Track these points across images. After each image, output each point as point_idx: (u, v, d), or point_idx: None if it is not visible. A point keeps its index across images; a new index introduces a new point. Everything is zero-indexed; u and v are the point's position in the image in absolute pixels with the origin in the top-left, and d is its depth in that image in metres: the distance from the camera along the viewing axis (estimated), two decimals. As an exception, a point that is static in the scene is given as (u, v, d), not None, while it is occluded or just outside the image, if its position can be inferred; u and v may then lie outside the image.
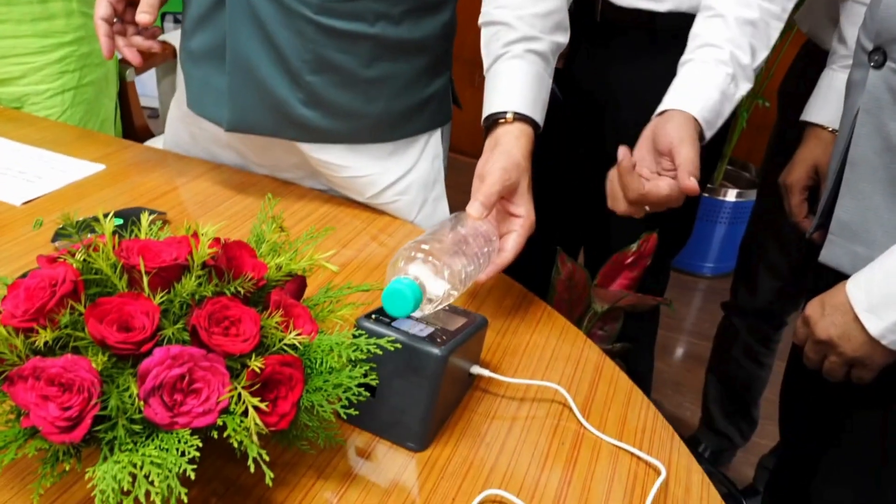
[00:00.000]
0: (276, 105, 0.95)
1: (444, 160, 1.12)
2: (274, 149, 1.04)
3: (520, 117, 0.85)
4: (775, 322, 1.54)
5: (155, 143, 1.51)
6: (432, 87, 1.04)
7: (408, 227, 1.02)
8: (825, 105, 1.07)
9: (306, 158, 1.03)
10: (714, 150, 1.28)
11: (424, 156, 1.07)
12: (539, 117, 0.88)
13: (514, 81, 0.88)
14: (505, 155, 0.82)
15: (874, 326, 0.78)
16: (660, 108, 0.87)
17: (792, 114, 1.20)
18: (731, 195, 2.55)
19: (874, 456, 0.94)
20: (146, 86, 2.67)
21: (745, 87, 0.89)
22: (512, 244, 0.81)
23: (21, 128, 1.18)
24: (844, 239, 0.87)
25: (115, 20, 0.94)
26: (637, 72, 1.23)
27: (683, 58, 0.91)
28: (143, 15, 0.91)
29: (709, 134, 0.86)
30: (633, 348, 1.40)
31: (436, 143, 1.09)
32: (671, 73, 1.17)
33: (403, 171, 1.04)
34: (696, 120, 0.84)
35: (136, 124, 1.69)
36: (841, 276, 0.85)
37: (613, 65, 1.24)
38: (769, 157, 1.46)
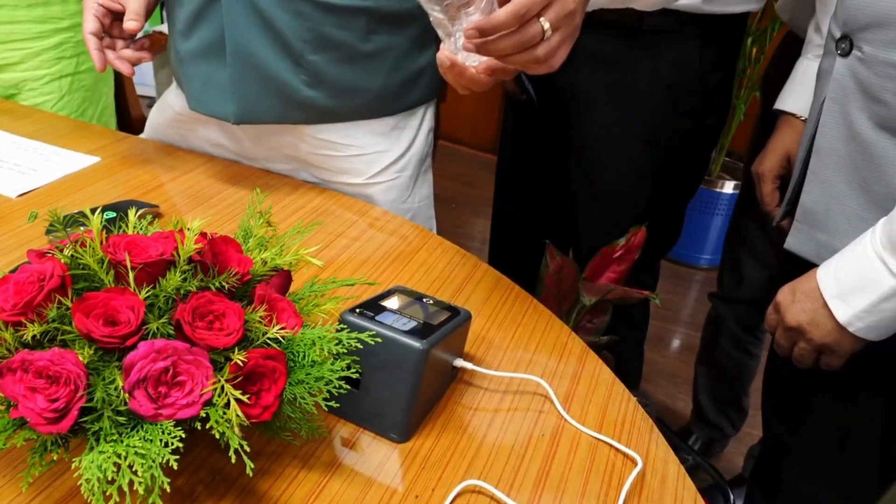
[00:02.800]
0: (280, 90, 0.97)
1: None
2: (269, 139, 1.05)
3: None
4: (762, 311, 1.55)
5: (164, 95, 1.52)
6: (424, 58, 1.06)
7: (398, 220, 1.03)
8: (798, 94, 1.08)
9: (302, 149, 1.04)
10: (710, 142, 1.29)
11: (422, 129, 1.11)
12: None
13: None
14: None
15: (842, 313, 0.79)
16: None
17: (773, 102, 1.21)
18: (728, 187, 2.56)
19: (836, 444, 0.96)
20: (144, 75, 2.68)
21: None
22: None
23: (17, 119, 1.19)
24: (809, 226, 0.88)
25: (103, 35, 0.96)
26: (619, 68, 1.23)
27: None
28: (131, 23, 0.92)
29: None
30: (625, 340, 1.42)
31: (430, 117, 1.13)
32: (653, 71, 1.18)
33: (405, 146, 1.08)
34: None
35: (132, 115, 1.70)
36: (807, 263, 0.87)
37: (597, 62, 1.24)
38: (752, 146, 1.47)
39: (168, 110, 1.11)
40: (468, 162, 3.23)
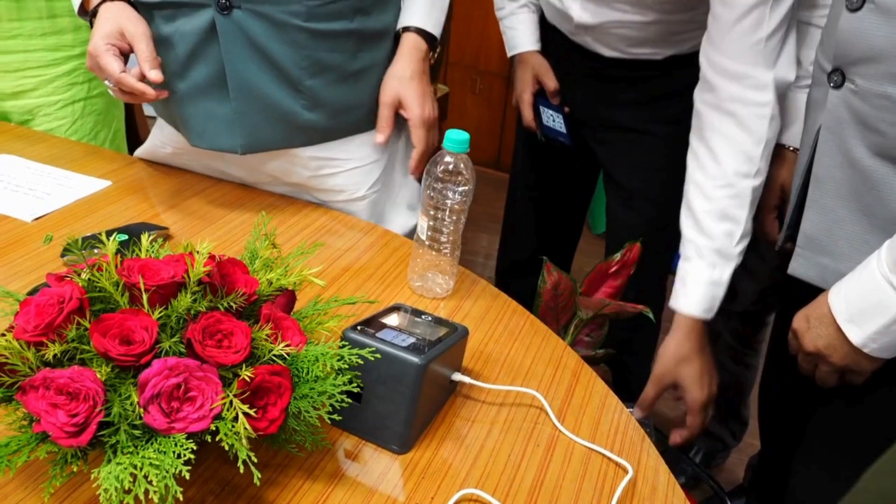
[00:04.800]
0: (282, 117, 1.01)
1: None
2: (269, 165, 1.09)
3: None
4: (756, 324, 1.58)
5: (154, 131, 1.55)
6: None
7: (399, 239, 1.06)
8: (785, 125, 1.10)
9: (302, 174, 1.08)
10: None
11: (405, 134, 1.17)
12: None
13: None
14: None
15: (856, 336, 0.80)
16: (669, 304, 1.05)
17: None
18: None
19: (837, 453, 0.97)
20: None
21: (729, 268, 1.02)
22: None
23: (31, 145, 1.23)
24: (812, 252, 0.91)
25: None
26: (632, 94, 1.28)
27: (681, 247, 1.05)
28: (155, 73, 0.91)
29: (711, 315, 1.02)
30: (631, 351, 1.45)
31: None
32: (666, 93, 1.23)
33: (396, 152, 1.15)
34: (695, 319, 1.01)
35: (141, 137, 1.74)
36: (811, 285, 0.89)
37: (610, 93, 1.29)
38: None
39: (166, 147, 1.15)
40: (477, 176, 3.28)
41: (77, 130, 1.42)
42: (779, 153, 1.14)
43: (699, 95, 1.03)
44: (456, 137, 0.85)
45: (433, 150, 1.03)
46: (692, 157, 1.05)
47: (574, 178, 1.52)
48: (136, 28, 0.92)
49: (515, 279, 1.59)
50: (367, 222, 1.10)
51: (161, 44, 0.98)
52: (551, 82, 1.35)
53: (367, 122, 1.09)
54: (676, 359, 1.02)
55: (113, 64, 0.90)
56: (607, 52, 1.25)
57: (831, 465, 0.98)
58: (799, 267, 0.92)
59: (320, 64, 0.99)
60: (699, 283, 1.00)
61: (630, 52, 1.23)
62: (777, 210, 1.17)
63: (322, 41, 0.98)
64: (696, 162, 1.03)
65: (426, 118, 1.06)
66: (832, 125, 0.86)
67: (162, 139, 1.15)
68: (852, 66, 0.84)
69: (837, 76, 0.86)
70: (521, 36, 1.37)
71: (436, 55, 1.11)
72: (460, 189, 0.86)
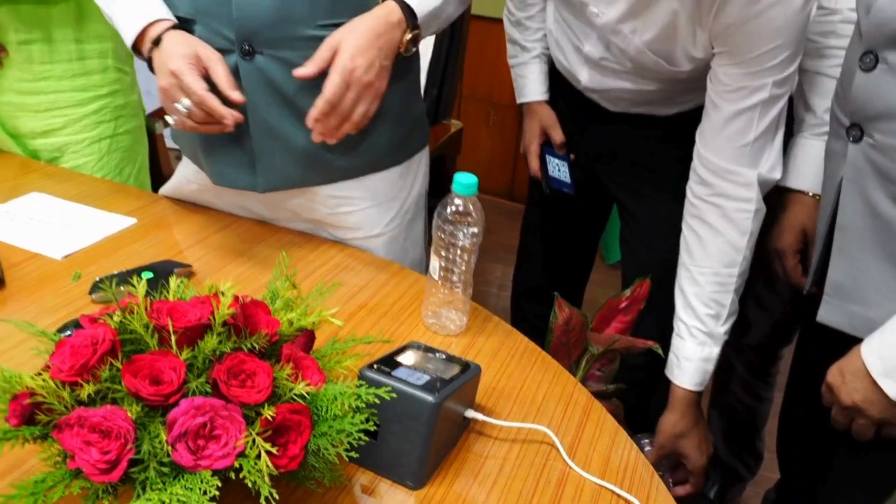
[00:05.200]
0: (301, 157, 1.04)
1: None
2: (288, 203, 1.12)
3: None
4: (770, 357, 1.59)
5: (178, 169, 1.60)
6: (417, 108, 1.17)
7: (414, 275, 1.09)
8: (803, 172, 1.12)
9: (321, 210, 1.12)
10: None
11: (419, 171, 1.20)
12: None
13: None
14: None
15: (893, 390, 0.81)
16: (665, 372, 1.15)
17: None
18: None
19: (865, 492, 0.98)
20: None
21: (717, 347, 1.12)
22: None
23: (60, 183, 1.28)
24: (840, 299, 0.92)
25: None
26: (641, 136, 1.31)
27: (674, 322, 1.14)
28: (237, 94, 0.94)
29: (703, 387, 1.13)
30: (643, 385, 1.46)
31: (426, 161, 1.23)
32: (675, 135, 1.26)
33: (409, 189, 1.17)
34: (689, 391, 1.12)
35: (164, 172, 1.79)
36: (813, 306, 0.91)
37: (620, 135, 1.33)
38: None
39: (190, 184, 1.19)
40: (485, 208, 3.31)
41: (103, 167, 1.47)
42: (797, 199, 1.16)
43: (691, 186, 1.11)
44: (464, 181, 0.88)
45: (342, 114, 0.95)
46: (683, 241, 1.13)
47: (585, 213, 1.54)
48: (210, 52, 0.94)
49: (530, 304, 1.61)
50: (382, 259, 1.13)
51: None
52: (558, 135, 1.39)
53: (383, 162, 1.12)
54: (675, 434, 1.13)
55: (198, 82, 0.92)
56: (613, 108, 1.29)
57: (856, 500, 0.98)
58: (827, 314, 0.93)
59: None
60: (691, 360, 1.11)
61: (636, 111, 1.28)
62: (800, 254, 1.18)
63: None
64: (685, 247, 1.12)
65: (347, 68, 0.93)
66: (854, 177, 0.88)
67: (187, 177, 1.19)
68: (870, 123, 0.86)
69: (856, 131, 0.88)
70: (530, 85, 1.41)
71: (412, 36, 1.00)
72: (470, 230, 0.89)
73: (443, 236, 0.90)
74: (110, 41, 1.43)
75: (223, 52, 0.97)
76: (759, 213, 1.05)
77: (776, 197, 1.21)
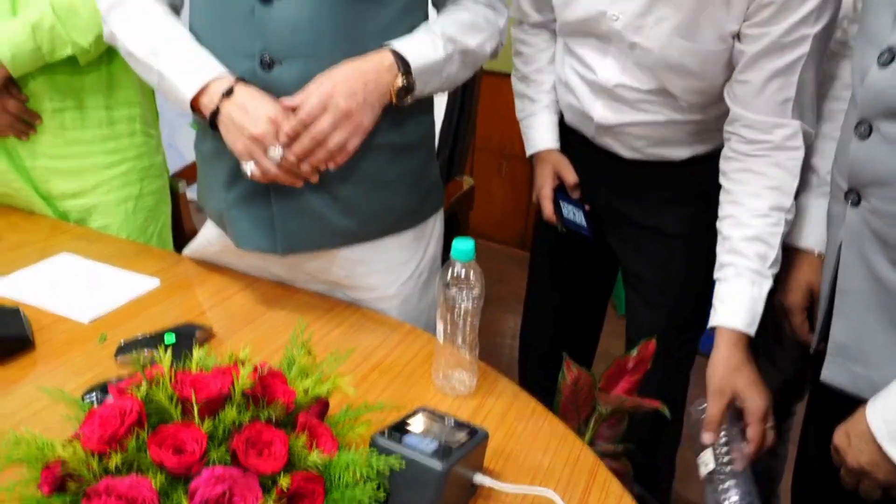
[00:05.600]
0: (320, 222, 1.09)
1: None
2: (306, 265, 1.17)
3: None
4: (782, 413, 1.59)
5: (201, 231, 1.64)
6: (433, 174, 1.22)
7: (425, 336, 1.13)
8: (809, 231, 1.15)
9: (336, 272, 1.16)
10: None
11: (434, 234, 1.24)
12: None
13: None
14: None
15: None
16: (710, 324, 1.10)
17: None
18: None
19: None
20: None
21: (766, 286, 1.08)
22: None
23: (89, 244, 1.34)
24: (843, 359, 0.93)
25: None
26: (651, 194, 1.34)
27: (716, 272, 1.12)
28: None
29: (753, 329, 1.07)
30: (652, 445, 1.47)
31: (440, 223, 1.26)
32: (686, 193, 1.29)
33: (423, 252, 1.21)
34: (741, 333, 1.06)
35: (186, 228, 1.85)
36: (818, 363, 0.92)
37: (629, 192, 1.35)
38: None
39: (213, 246, 1.24)
40: (498, 258, 3.34)
41: (129, 226, 1.52)
42: (803, 257, 1.18)
43: (731, 146, 1.13)
44: (462, 247, 0.91)
45: (316, 135, 0.95)
46: (725, 193, 1.14)
47: (595, 268, 1.56)
48: (281, 101, 0.98)
49: (543, 368, 1.62)
50: (395, 320, 1.17)
51: (215, 156, 1.08)
52: (570, 176, 1.39)
53: (399, 225, 1.16)
54: (729, 368, 1.05)
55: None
56: (627, 154, 1.31)
57: None
58: (830, 374, 0.95)
59: (357, 174, 1.07)
60: (740, 298, 1.07)
61: (649, 154, 1.29)
62: (807, 311, 1.20)
63: (359, 153, 1.06)
64: (729, 196, 1.12)
65: (327, 92, 0.94)
66: (853, 240, 0.90)
67: (209, 238, 1.24)
68: (866, 188, 0.88)
69: (854, 195, 0.90)
70: (539, 135, 1.42)
71: (405, 83, 1.01)
72: (471, 294, 0.92)
73: (446, 300, 0.94)
74: (138, 106, 1.51)
75: None
76: (801, 161, 1.09)
77: (784, 254, 1.24)
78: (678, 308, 1.36)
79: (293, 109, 0.96)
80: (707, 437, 1.06)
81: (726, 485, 1.01)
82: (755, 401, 1.04)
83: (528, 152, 1.47)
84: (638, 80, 1.20)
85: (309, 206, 1.07)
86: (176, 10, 1.12)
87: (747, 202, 1.10)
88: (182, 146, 3.09)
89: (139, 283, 1.20)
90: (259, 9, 0.98)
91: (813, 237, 1.16)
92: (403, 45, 1.02)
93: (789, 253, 1.21)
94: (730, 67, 1.12)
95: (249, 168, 0.99)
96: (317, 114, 0.95)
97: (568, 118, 1.40)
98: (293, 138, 0.96)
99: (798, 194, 1.21)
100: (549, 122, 1.42)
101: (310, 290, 1.22)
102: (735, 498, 0.98)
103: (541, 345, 1.64)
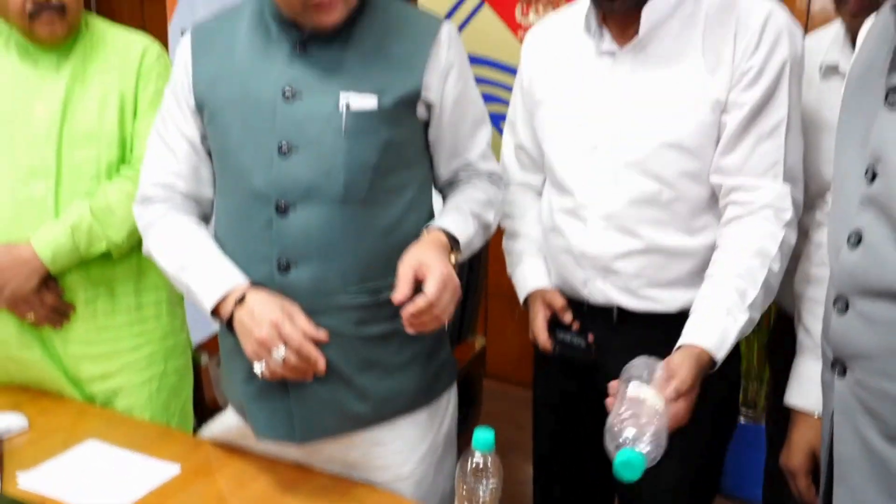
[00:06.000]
0: (335, 409, 1.14)
1: None
2: (324, 450, 1.20)
3: None
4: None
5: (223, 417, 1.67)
6: (443, 353, 1.26)
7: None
8: (805, 392, 1.16)
9: (353, 455, 1.19)
10: (731, 381, 1.33)
11: (448, 409, 1.27)
12: None
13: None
14: None
15: None
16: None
17: (779, 367, 1.31)
18: (773, 422, 2.57)
19: None
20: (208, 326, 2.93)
21: (742, 318, 1.11)
22: None
23: (114, 428, 1.38)
24: None
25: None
26: (648, 340, 1.35)
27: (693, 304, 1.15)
28: (322, 333, 1.07)
29: (720, 354, 1.09)
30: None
31: (454, 399, 1.30)
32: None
33: (437, 427, 1.24)
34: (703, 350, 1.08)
35: (206, 398, 1.90)
36: None
37: (628, 345, 1.36)
38: (773, 387, 1.52)
39: (231, 432, 1.29)
40: (516, 402, 3.32)
41: (152, 405, 1.56)
42: (803, 418, 1.19)
43: (724, 217, 1.18)
44: (483, 438, 0.95)
45: (439, 314, 1.02)
46: (715, 250, 1.18)
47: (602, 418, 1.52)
48: (294, 305, 1.07)
49: None
50: (410, 501, 1.18)
51: (235, 353, 1.15)
52: (558, 300, 1.31)
53: (412, 406, 1.20)
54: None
55: (297, 332, 1.04)
56: (623, 300, 1.25)
57: None
58: None
59: (369, 362, 1.14)
60: (712, 320, 1.11)
61: (643, 295, 1.24)
62: (811, 473, 1.19)
63: (371, 343, 1.13)
64: (718, 250, 1.17)
65: (445, 273, 1.02)
66: (844, 409, 0.91)
67: (229, 425, 1.28)
68: (850, 360, 0.90)
69: (839, 366, 0.91)
70: (525, 279, 1.37)
71: (457, 259, 1.10)
72: (489, 484, 0.96)
73: (464, 491, 0.96)
74: (164, 290, 1.58)
75: None
76: (793, 222, 1.14)
77: (785, 414, 1.25)
78: (690, 464, 1.34)
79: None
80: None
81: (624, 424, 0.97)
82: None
83: (521, 298, 1.40)
84: (621, 149, 1.20)
85: (325, 395, 1.12)
86: (206, 219, 1.24)
87: (732, 248, 1.15)
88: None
89: (161, 471, 1.23)
90: (276, 220, 1.08)
91: (810, 399, 1.16)
92: (450, 224, 1.11)
93: (790, 412, 1.22)
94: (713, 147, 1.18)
95: (259, 368, 1.06)
96: (440, 294, 1.01)
97: (559, 279, 1.34)
98: (417, 314, 1.01)
99: (795, 354, 1.23)
100: (536, 266, 1.37)
101: (327, 472, 1.24)
102: (632, 430, 0.95)
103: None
